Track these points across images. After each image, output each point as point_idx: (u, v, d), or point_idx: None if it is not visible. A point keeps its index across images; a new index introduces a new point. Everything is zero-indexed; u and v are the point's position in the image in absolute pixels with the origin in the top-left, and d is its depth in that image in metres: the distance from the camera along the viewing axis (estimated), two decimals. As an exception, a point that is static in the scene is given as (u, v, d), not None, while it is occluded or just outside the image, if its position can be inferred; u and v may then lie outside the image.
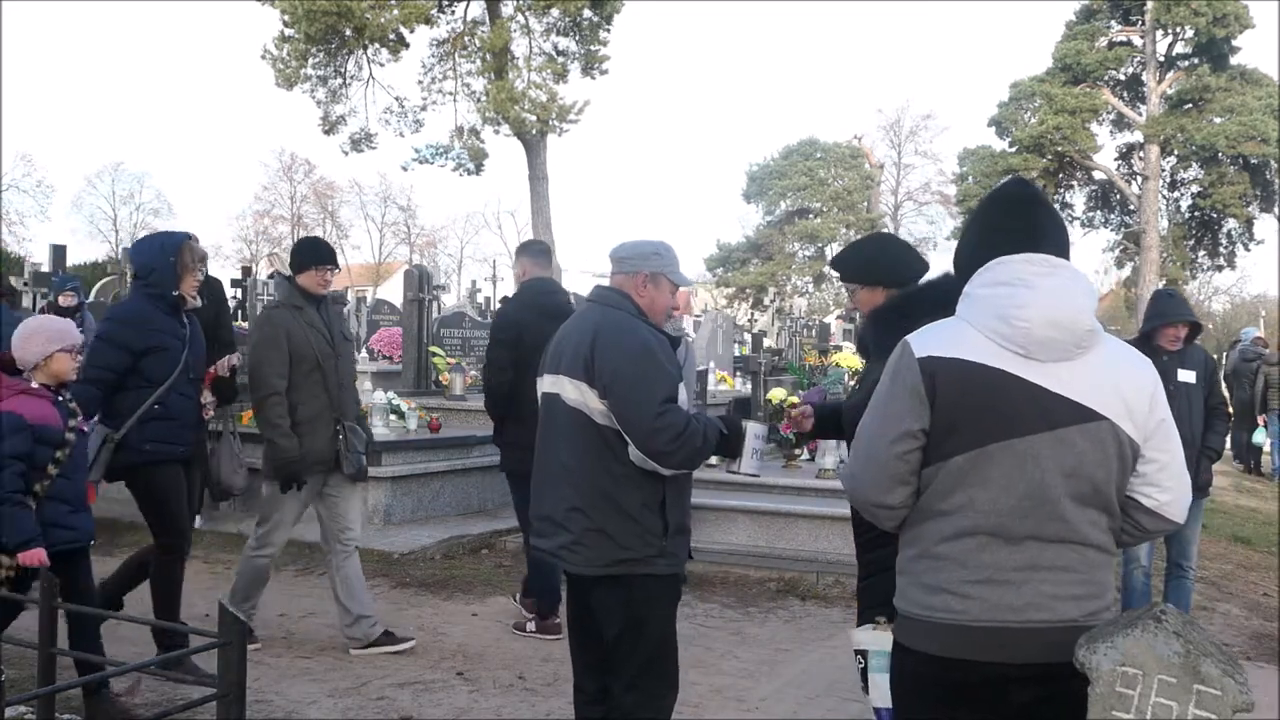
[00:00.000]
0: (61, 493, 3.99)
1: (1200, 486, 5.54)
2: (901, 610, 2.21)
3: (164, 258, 4.61)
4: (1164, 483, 2.16)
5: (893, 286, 3.37)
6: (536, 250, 5.96)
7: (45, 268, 15.20)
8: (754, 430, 3.39)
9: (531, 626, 5.61)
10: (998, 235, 2.21)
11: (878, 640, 3.11)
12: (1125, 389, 2.11)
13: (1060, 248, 2.20)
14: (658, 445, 3.15)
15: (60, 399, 4.02)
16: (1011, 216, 2.24)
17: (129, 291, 4.99)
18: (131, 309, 4.74)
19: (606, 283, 3.55)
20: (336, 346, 5.14)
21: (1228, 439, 14.37)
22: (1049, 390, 2.07)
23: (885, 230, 36.63)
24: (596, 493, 3.23)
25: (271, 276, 13.97)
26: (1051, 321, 2.07)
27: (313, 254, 5.17)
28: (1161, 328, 5.47)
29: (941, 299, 2.44)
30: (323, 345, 5.05)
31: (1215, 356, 6.30)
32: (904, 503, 2.17)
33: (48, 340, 3.97)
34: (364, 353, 12.27)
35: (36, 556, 3.80)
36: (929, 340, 2.15)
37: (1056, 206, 2.39)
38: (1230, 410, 5.87)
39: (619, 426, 3.19)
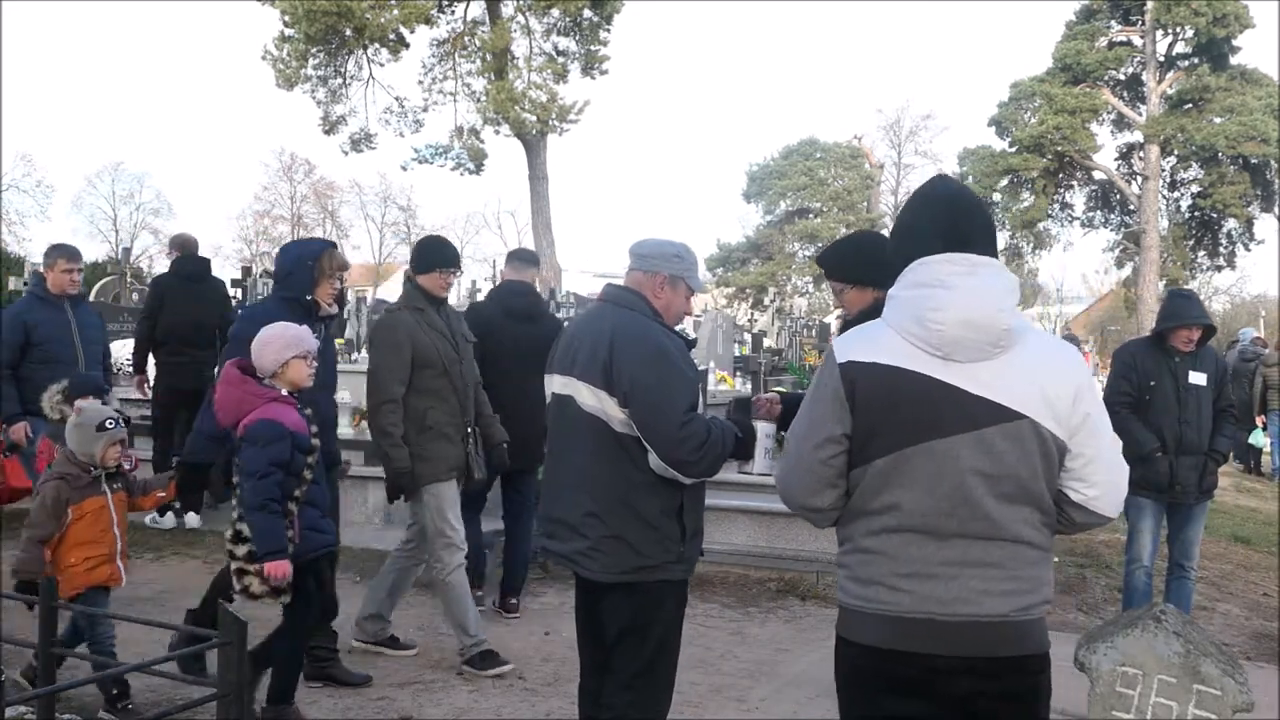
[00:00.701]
0: (314, 498, 4.04)
1: (1205, 490, 5.52)
2: (840, 603, 2.26)
3: (303, 263, 4.53)
4: (1091, 477, 2.16)
5: (883, 289, 3.35)
6: (515, 256, 6.32)
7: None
8: (764, 430, 3.38)
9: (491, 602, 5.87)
10: (921, 236, 2.23)
11: None
12: (1047, 387, 2.12)
13: (984, 246, 2.20)
14: (682, 455, 3.11)
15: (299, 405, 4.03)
16: (933, 216, 2.25)
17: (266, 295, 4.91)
18: (265, 311, 4.60)
19: (615, 281, 3.50)
20: (460, 349, 5.05)
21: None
22: (967, 392, 2.08)
23: (879, 230, 36.53)
24: (614, 499, 3.19)
25: (263, 275, 13.90)
26: (966, 322, 2.08)
27: (437, 255, 5.06)
28: (1176, 329, 5.44)
29: None
30: (448, 349, 4.95)
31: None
32: (833, 505, 2.22)
33: (284, 346, 3.95)
34: (364, 353, 12.29)
35: (281, 569, 3.81)
36: (852, 345, 2.19)
37: (983, 203, 2.40)
38: (1237, 413, 5.84)
39: (640, 434, 3.15)
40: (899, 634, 2.11)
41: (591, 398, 3.21)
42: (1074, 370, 2.17)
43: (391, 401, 4.81)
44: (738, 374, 15.35)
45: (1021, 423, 2.08)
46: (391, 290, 28.09)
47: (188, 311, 7.46)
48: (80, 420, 4.20)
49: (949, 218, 2.22)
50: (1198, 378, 5.42)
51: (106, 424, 4.19)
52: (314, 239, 4.83)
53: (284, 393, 3.95)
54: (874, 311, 3.23)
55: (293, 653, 4.13)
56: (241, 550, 3.91)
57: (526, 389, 5.74)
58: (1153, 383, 5.40)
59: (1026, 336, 2.15)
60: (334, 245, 4.76)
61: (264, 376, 3.95)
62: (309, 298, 4.52)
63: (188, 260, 7.88)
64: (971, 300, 2.09)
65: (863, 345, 2.18)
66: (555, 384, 3.37)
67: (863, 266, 3.42)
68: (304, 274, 4.52)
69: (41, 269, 6.31)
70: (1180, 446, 5.38)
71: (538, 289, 6.28)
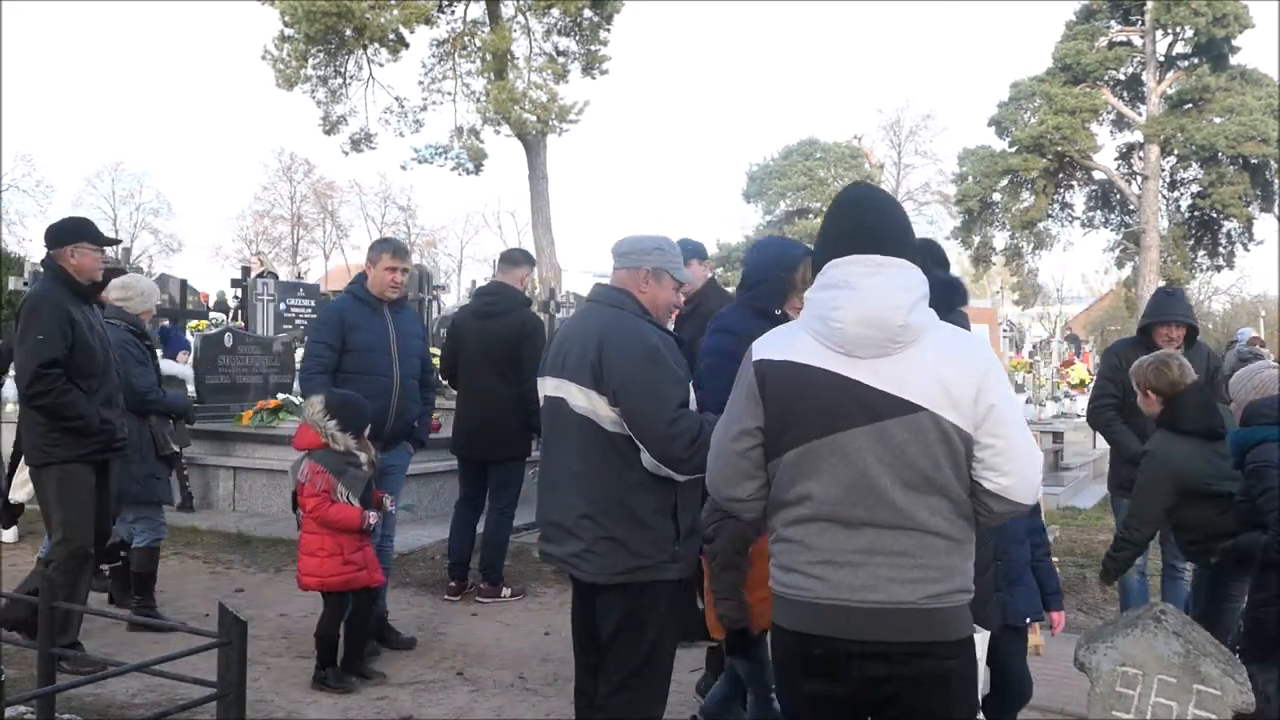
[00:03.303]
0: None
1: None
2: (771, 589, 2.36)
3: (777, 273, 4.19)
4: (1002, 466, 2.22)
5: None
6: (500, 257, 6.63)
7: (45, 268, 15.10)
8: None
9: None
10: (833, 240, 2.33)
11: None
12: (948, 380, 2.19)
13: (894, 246, 2.28)
14: (673, 452, 3.10)
15: None
16: (843, 220, 2.35)
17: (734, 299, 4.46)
18: (738, 320, 4.24)
19: (607, 280, 3.50)
20: None
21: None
22: (868, 385, 2.19)
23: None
24: (609, 500, 3.18)
25: (260, 275, 13.80)
26: (863, 320, 2.19)
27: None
28: (1156, 326, 5.45)
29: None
30: None
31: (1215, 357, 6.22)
32: (753, 495, 2.34)
33: None
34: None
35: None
36: (766, 344, 2.32)
37: (892, 202, 2.47)
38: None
39: (631, 434, 3.14)
40: (815, 619, 2.22)
41: (582, 398, 3.20)
42: (977, 364, 2.22)
43: None
44: (738, 374, 15.36)
45: (920, 415, 2.16)
46: (391, 290, 27.84)
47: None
48: None
49: (856, 220, 2.32)
50: None
51: None
52: (791, 244, 4.43)
53: None
54: None
55: None
56: None
57: (480, 382, 6.02)
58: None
59: (929, 332, 2.23)
60: (810, 253, 4.36)
61: None
62: (777, 312, 4.22)
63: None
64: (870, 299, 2.19)
65: (775, 344, 2.31)
66: (548, 386, 3.35)
67: None
68: (777, 285, 4.21)
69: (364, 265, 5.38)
70: None
71: (526, 287, 6.31)
